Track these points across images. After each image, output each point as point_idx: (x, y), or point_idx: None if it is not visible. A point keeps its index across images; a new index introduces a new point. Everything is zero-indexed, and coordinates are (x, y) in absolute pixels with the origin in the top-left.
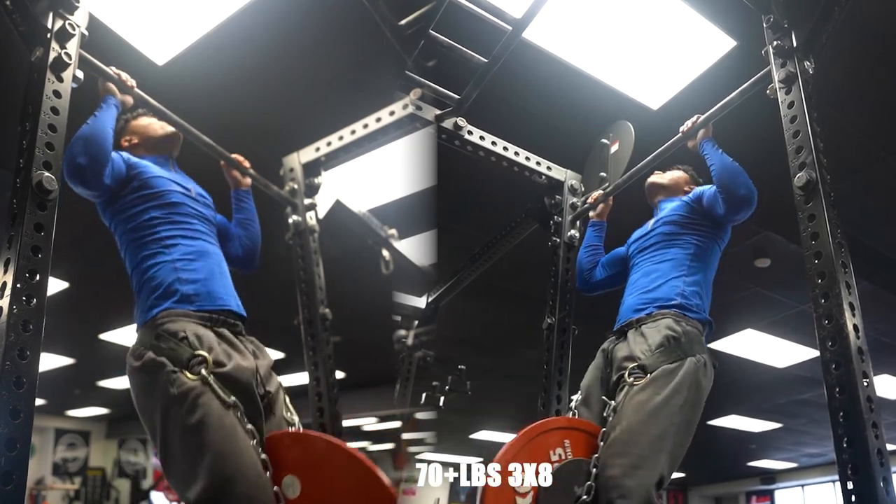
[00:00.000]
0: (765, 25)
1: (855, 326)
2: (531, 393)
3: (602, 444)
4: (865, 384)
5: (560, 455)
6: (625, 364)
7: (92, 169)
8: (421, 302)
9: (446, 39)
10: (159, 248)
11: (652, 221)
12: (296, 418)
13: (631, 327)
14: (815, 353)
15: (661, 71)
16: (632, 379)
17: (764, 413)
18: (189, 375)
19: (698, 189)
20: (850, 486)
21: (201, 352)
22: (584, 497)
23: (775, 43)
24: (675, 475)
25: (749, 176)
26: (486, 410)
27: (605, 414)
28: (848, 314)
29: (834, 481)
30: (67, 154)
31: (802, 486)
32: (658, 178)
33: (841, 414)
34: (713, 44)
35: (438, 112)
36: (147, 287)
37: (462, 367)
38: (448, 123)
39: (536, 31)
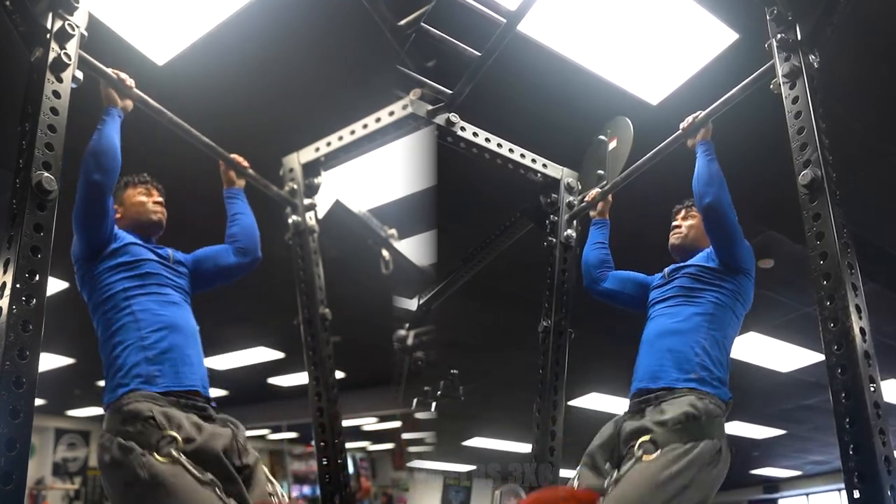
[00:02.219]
0: (768, 18)
1: (861, 329)
2: (526, 398)
3: None
4: (872, 389)
5: None
6: (636, 435)
7: (108, 184)
8: (412, 304)
9: (438, 32)
10: (129, 322)
11: (668, 270)
12: (279, 489)
13: (650, 404)
14: (820, 356)
15: (661, 65)
16: (641, 452)
17: (767, 419)
18: (159, 457)
19: None
20: (856, 494)
21: (170, 432)
22: None
23: (779, 36)
24: None
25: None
26: (479, 416)
27: (605, 485)
28: (854, 317)
29: (840, 490)
30: (83, 174)
31: (807, 494)
32: (676, 237)
33: (847, 420)
34: (714, 37)
35: (431, 108)
36: (113, 367)
37: (454, 371)
38: (440, 119)
39: (532, 24)
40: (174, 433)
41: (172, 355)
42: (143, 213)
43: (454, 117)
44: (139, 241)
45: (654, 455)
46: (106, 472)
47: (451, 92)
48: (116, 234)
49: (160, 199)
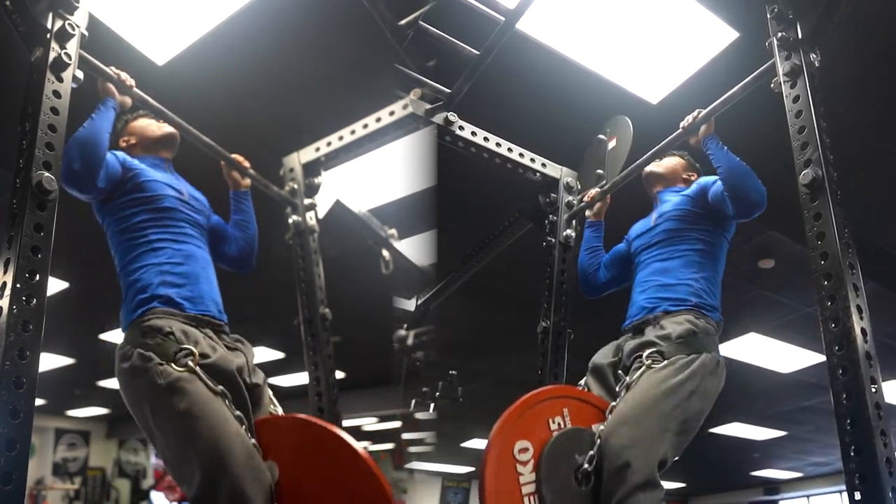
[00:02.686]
0: (768, 16)
1: (863, 330)
2: None
3: (609, 416)
4: (873, 390)
5: (559, 424)
6: (642, 348)
7: (86, 173)
8: (411, 304)
9: (437, 31)
10: (147, 250)
11: (654, 216)
12: (280, 410)
13: (648, 324)
14: (821, 357)
15: (661, 64)
16: (650, 361)
17: (768, 420)
18: (176, 367)
19: (702, 181)
20: (857, 496)
21: (188, 346)
22: (586, 466)
23: (780, 34)
24: (676, 485)
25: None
26: (478, 418)
27: (617, 388)
28: (855, 317)
29: (841, 492)
30: (64, 159)
31: (808, 496)
32: (655, 167)
33: (848, 421)
34: (715, 35)
35: (429, 107)
36: (133, 289)
37: (453, 371)
38: (438, 119)
39: (531, 22)
40: (191, 347)
41: (189, 280)
42: (154, 128)
43: (452, 116)
44: (158, 174)
45: (662, 364)
46: (124, 379)
47: (449, 91)
48: (132, 168)
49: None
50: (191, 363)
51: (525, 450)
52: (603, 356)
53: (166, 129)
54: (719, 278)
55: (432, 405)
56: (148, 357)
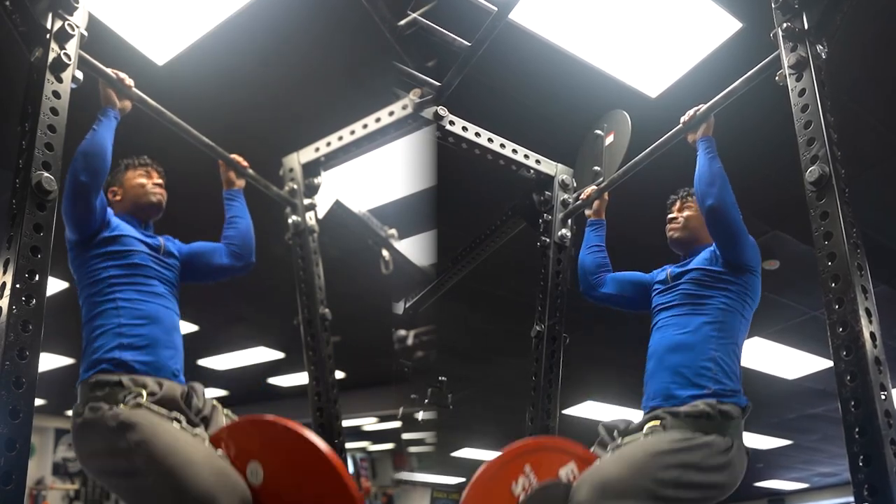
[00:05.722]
0: (773, 6)
1: (872, 334)
2: (519, 407)
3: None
4: (883, 397)
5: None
6: (647, 422)
7: (93, 185)
8: (399, 307)
9: (426, 21)
10: (110, 308)
11: (677, 271)
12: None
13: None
14: (829, 363)
15: (660, 56)
16: (649, 430)
17: (772, 429)
18: (125, 407)
19: None
20: None
21: (136, 388)
22: None
23: (785, 25)
24: None
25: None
26: (469, 426)
27: (608, 449)
28: (864, 321)
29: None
30: (70, 172)
31: None
32: (674, 231)
33: (856, 430)
34: (717, 26)
35: (419, 101)
36: (90, 348)
37: (443, 378)
38: (427, 113)
39: (524, 13)
40: (139, 389)
41: (149, 343)
42: (142, 195)
43: (442, 110)
44: (133, 231)
45: (660, 432)
46: (78, 438)
47: (439, 84)
48: (110, 222)
49: (160, 180)
50: (140, 401)
51: None
52: (608, 426)
53: (158, 196)
54: (740, 349)
55: (421, 413)
56: (97, 407)
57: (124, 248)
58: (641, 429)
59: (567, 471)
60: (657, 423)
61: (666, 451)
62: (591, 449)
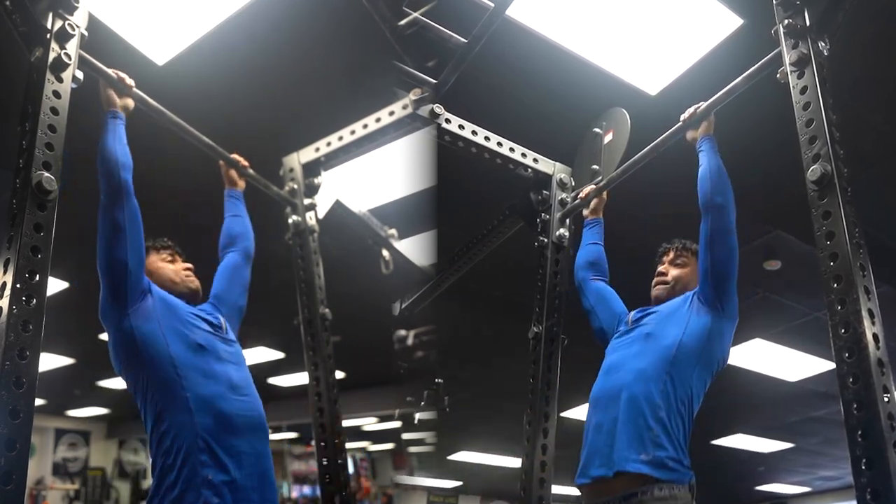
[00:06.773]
0: (774, 2)
1: (875, 336)
2: (516, 409)
3: None
4: (886, 400)
5: None
6: None
7: (127, 187)
8: (395, 308)
9: (422, 18)
10: (183, 409)
11: (636, 313)
12: None
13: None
14: (831, 365)
15: (660, 53)
16: None
17: (774, 432)
18: None
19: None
20: None
21: None
22: None
23: (786, 21)
24: None
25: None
26: (465, 429)
27: None
28: (867, 322)
29: None
30: (101, 181)
31: None
32: (661, 290)
33: (859, 433)
34: (717, 22)
35: (414, 98)
36: (167, 477)
37: (439, 380)
38: (424, 111)
39: (522, 9)
40: None
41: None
42: (177, 284)
43: (438, 108)
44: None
45: None
46: None
47: (435, 81)
48: (149, 284)
49: (188, 264)
50: None
51: None
52: None
53: (196, 282)
54: (696, 403)
55: (417, 415)
56: None
57: (181, 317)
58: None
59: None
60: None
61: None
62: None
